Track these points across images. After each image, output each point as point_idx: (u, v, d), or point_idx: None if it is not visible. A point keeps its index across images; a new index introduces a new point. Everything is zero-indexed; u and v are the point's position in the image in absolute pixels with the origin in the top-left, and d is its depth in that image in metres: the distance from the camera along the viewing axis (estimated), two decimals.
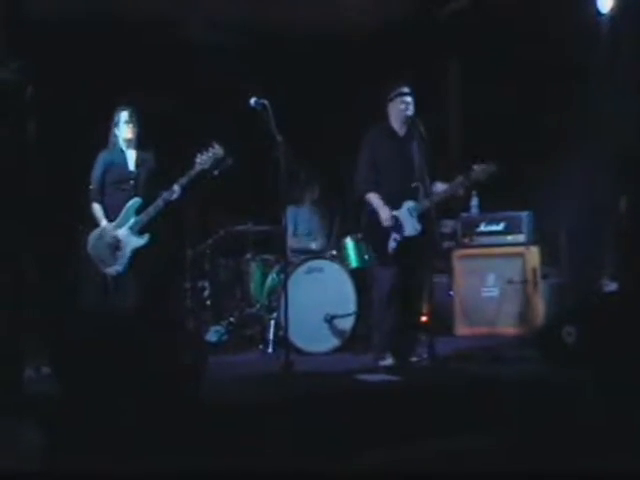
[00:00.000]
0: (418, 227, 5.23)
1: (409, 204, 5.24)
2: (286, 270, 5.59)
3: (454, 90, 8.41)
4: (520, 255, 6.78)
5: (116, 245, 5.38)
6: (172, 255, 6.44)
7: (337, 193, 6.91)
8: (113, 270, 5.37)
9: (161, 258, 5.66)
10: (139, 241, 5.42)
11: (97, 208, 5.48)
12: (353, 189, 5.45)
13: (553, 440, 3.29)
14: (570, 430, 3.37)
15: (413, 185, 5.21)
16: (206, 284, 6.96)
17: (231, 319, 6.84)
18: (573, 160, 6.41)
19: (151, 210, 5.40)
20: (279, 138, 5.07)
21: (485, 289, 6.91)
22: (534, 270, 6.74)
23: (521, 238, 6.85)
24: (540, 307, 6.67)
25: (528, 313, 6.65)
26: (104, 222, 5.43)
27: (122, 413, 3.51)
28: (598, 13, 6.51)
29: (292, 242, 6.64)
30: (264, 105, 5.08)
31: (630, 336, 4.08)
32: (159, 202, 5.38)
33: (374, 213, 5.28)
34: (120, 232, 5.41)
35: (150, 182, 5.54)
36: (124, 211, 5.44)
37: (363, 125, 5.50)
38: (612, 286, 5.89)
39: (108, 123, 5.59)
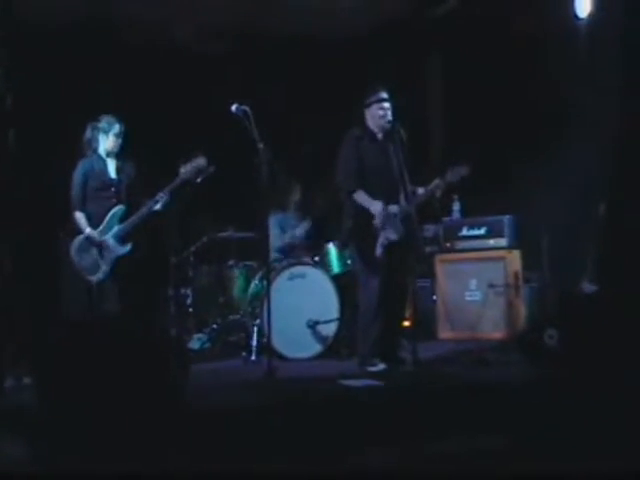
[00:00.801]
0: (402, 231, 5.24)
1: (392, 208, 5.25)
2: (268, 276, 5.59)
3: (435, 93, 8.45)
4: (502, 259, 6.83)
5: (100, 253, 5.38)
6: (153, 263, 6.42)
7: (319, 195, 6.92)
8: (96, 278, 5.37)
9: (143, 266, 5.64)
10: (122, 249, 5.43)
11: (79, 216, 5.45)
12: (336, 189, 5.44)
13: (536, 443, 3.31)
14: (553, 432, 3.39)
15: (394, 190, 5.23)
16: (189, 291, 6.95)
17: (214, 326, 6.84)
18: (554, 164, 6.46)
19: (135, 218, 5.41)
20: (260, 144, 5.08)
21: (468, 293, 6.95)
22: (516, 274, 6.79)
23: (503, 242, 6.90)
24: (522, 311, 6.71)
25: (510, 317, 6.68)
26: (88, 229, 5.41)
27: (105, 422, 3.50)
28: (576, 17, 6.57)
29: (277, 241, 6.64)
30: (245, 111, 5.09)
31: (610, 338, 4.12)
32: (143, 210, 5.40)
33: (360, 215, 5.28)
34: (104, 239, 5.41)
35: (132, 190, 5.55)
36: (107, 218, 5.43)
37: (342, 128, 5.51)
38: (592, 289, 5.93)
39: (89, 126, 5.55)
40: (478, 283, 6.89)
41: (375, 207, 5.22)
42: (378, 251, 5.20)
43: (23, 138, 5.87)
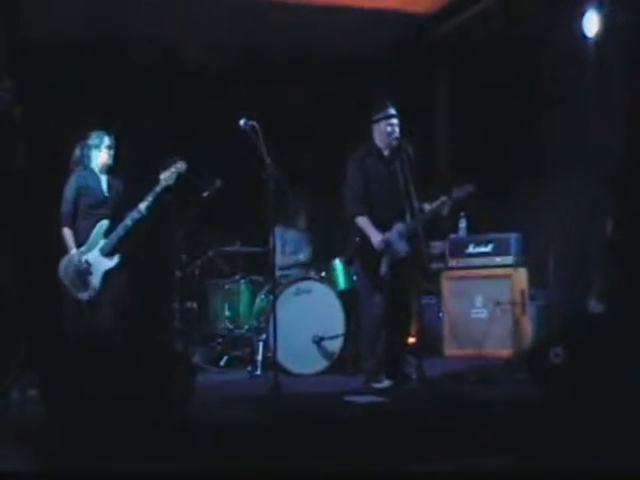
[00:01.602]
0: (407, 249, 5.25)
1: (399, 226, 5.26)
2: (274, 291, 5.59)
3: (442, 111, 8.47)
4: (508, 277, 6.82)
5: (87, 270, 5.33)
6: (155, 276, 6.42)
7: (325, 214, 6.93)
8: (86, 295, 5.33)
9: (136, 278, 5.64)
10: (109, 263, 5.38)
11: (68, 233, 5.39)
12: (342, 209, 5.45)
13: (542, 463, 3.29)
14: (559, 452, 3.38)
15: (401, 207, 5.24)
16: (194, 305, 6.95)
17: (219, 340, 6.84)
18: (561, 182, 6.46)
19: (120, 230, 5.37)
20: (268, 159, 5.09)
21: (474, 310, 6.93)
22: (522, 292, 6.78)
23: (509, 260, 6.89)
24: (528, 328, 6.70)
25: (516, 334, 6.67)
26: (73, 250, 5.36)
27: (108, 436, 3.50)
28: (584, 37, 6.59)
29: (280, 260, 6.65)
30: (253, 126, 5.11)
31: (617, 357, 4.10)
32: (127, 221, 5.36)
33: (365, 234, 5.29)
34: (90, 256, 5.36)
35: (120, 206, 5.50)
36: (93, 235, 5.40)
37: (349, 146, 5.53)
38: (599, 307, 5.92)
39: (78, 145, 5.53)
40: (484, 300, 6.88)
41: (374, 238, 5.23)
42: (383, 270, 5.21)
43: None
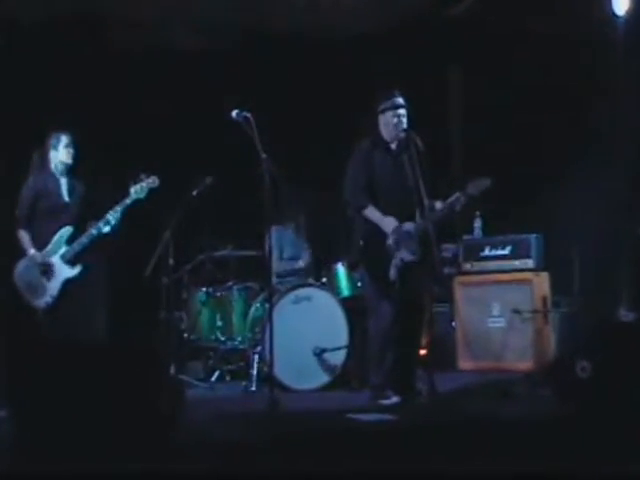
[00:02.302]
0: (418, 251, 5.23)
1: (408, 226, 5.25)
2: (271, 299, 5.58)
3: (457, 102, 8.46)
4: (528, 282, 6.80)
5: (46, 275, 5.45)
6: (137, 283, 6.40)
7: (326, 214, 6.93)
8: (42, 302, 5.43)
9: (97, 289, 5.74)
10: (71, 271, 5.52)
11: (24, 235, 5.54)
12: (344, 206, 5.44)
13: None
14: (584, 474, 3.36)
15: (410, 205, 5.22)
16: (183, 315, 6.94)
17: (210, 353, 6.83)
18: (588, 179, 6.45)
19: (84, 239, 5.51)
20: (263, 154, 5.08)
21: (490, 319, 6.93)
22: (544, 298, 6.77)
23: (529, 263, 6.87)
24: (551, 339, 6.69)
25: (537, 346, 6.65)
26: (32, 250, 5.50)
27: (91, 458, 3.48)
28: (614, 15, 6.60)
29: (277, 266, 6.64)
30: (247, 118, 5.10)
31: None
32: (92, 232, 5.51)
33: (372, 233, 5.27)
34: (50, 261, 5.49)
35: (82, 211, 5.65)
36: (55, 240, 5.53)
37: (353, 137, 5.51)
38: (630, 316, 5.91)
39: (36, 146, 5.66)
40: (502, 308, 6.88)
41: (388, 224, 5.22)
42: (392, 273, 5.19)
43: None
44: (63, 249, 5.52)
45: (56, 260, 5.50)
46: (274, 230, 6.37)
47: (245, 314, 6.68)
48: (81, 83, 7.02)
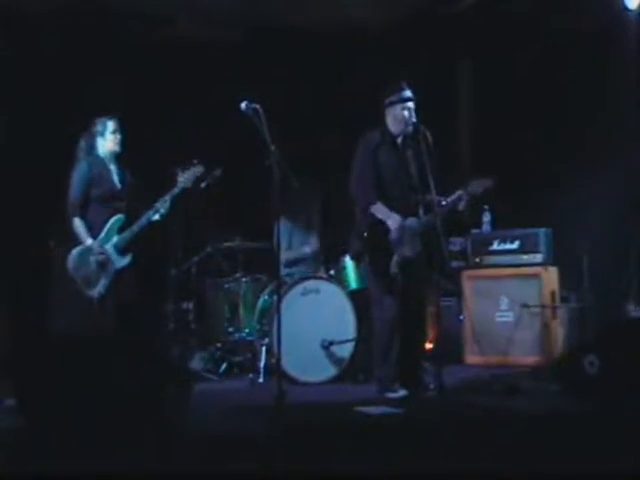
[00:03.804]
0: (418, 248, 5.24)
1: (411, 222, 5.25)
2: (279, 291, 5.57)
3: (467, 95, 8.43)
4: (537, 276, 6.78)
5: (100, 265, 5.36)
6: (152, 275, 6.43)
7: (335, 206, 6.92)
8: (96, 292, 5.34)
9: (143, 279, 5.66)
10: (122, 261, 5.43)
11: (79, 224, 5.41)
12: (351, 199, 5.42)
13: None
14: (591, 470, 3.34)
15: (414, 200, 5.22)
16: (191, 306, 6.95)
17: (218, 345, 6.83)
18: (598, 173, 6.42)
19: (135, 228, 5.43)
20: (272, 146, 5.07)
21: (498, 314, 6.91)
22: (552, 293, 6.75)
23: (538, 258, 6.85)
24: (559, 334, 6.67)
25: (546, 340, 6.64)
26: (89, 240, 5.38)
27: (97, 448, 3.49)
28: (625, 9, 6.56)
29: (286, 254, 6.63)
30: (256, 110, 5.08)
31: None
32: (143, 220, 5.42)
33: (375, 227, 5.26)
34: (105, 251, 5.39)
35: (133, 199, 5.57)
36: (107, 228, 5.43)
37: (363, 129, 5.49)
38: (638, 312, 5.89)
39: (84, 133, 5.57)
40: (510, 303, 6.85)
41: (393, 221, 5.22)
42: (393, 268, 5.19)
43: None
44: (115, 238, 5.42)
45: (109, 249, 5.40)
46: (283, 223, 6.35)
47: (253, 306, 6.68)
48: (125, 70, 7.05)
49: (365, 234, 5.32)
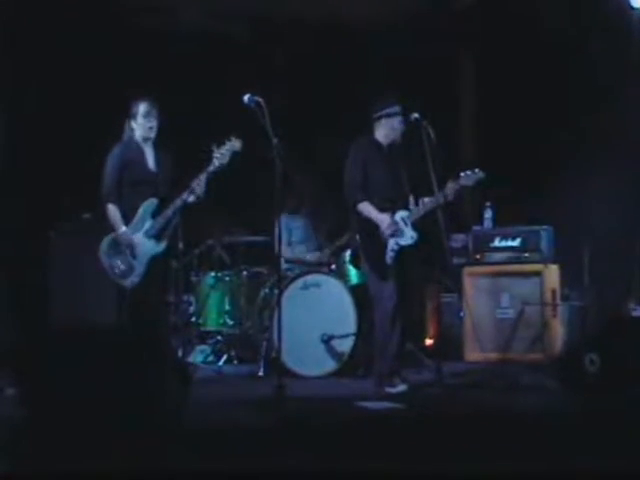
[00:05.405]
0: (414, 235, 5.27)
1: (401, 213, 5.29)
2: (280, 285, 5.57)
3: (469, 91, 8.43)
4: (538, 274, 6.78)
5: (133, 253, 5.15)
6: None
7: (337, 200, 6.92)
8: (129, 282, 5.13)
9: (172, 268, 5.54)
10: (156, 248, 5.21)
11: (114, 210, 5.18)
12: (345, 196, 5.45)
13: (573, 477, 3.26)
14: (591, 467, 3.34)
15: (403, 197, 5.29)
16: (191, 299, 6.94)
17: (219, 338, 6.83)
18: (600, 171, 6.42)
19: (169, 212, 5.20)
20: (274, 139, 5.06)
21: (499, 311, 6.90)
22: (553, 291, 6.74)
23: (539, 255, 6.85)
24: (559, 332, 6.67)
25: (546, 338, 6.63)
26: (123, 228, 5.17)
27: (97, 441, 3.49)
28: (631, 7, 6.55)
29: (286, 252, 6.63)
30: (258, 103, 5.07)
31: None
32: (177, 202, 5.19)
33: (367, 225, 5.30)
34: (135, 238, 5.18)
35: (167, 184, 5.33)
36: (139, 214, 5.20)
37: (365, 123, 5.50)
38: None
39: (116, 116, 5.42)
40: (511, 300, 6.85)
41: (381, 220, 5.26)
42: (388, 257, 5.22)
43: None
44: (148, 223, 5.19)
45: (141, 236, 5.17)
46: (283, 217, 6.35)
47: (254, 299, 6.68)
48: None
49: (357, 235, 5.39)
